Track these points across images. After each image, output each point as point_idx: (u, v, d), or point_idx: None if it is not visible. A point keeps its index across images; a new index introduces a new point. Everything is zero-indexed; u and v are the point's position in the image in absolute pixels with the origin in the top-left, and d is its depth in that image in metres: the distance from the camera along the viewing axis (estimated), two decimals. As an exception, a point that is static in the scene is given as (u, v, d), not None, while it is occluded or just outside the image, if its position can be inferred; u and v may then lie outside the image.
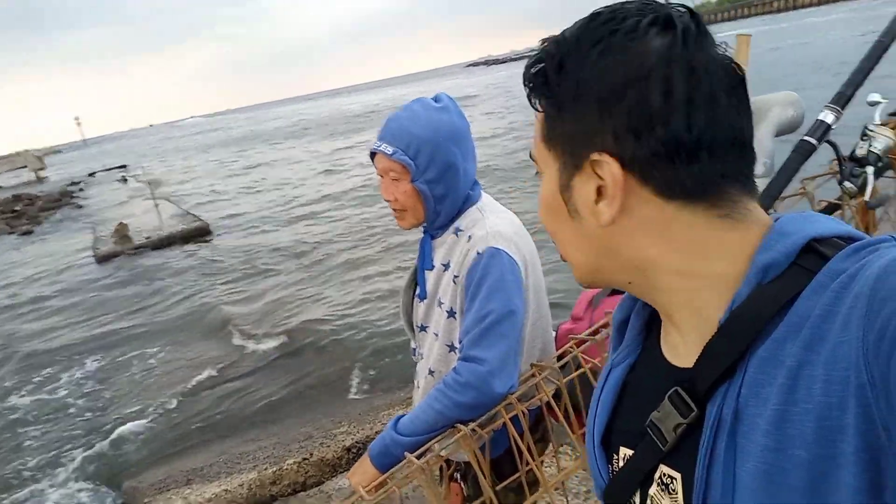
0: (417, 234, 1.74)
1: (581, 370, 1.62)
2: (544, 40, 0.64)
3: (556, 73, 0.61)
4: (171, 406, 5.53)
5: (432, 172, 1.54)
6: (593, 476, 0.74)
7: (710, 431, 0.55)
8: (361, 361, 5.64)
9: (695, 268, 0.59)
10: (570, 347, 1.64)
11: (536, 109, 0.65)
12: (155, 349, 6.89)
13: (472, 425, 1.47)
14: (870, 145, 1.65)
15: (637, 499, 0.66)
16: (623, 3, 0.60)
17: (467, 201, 1.63)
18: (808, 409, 0.48)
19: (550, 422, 1.74)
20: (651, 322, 0.71)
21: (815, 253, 0.54)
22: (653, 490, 0.64)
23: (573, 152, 0.61)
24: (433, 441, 1.49)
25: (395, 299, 6.18)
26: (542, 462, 1.69)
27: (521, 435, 1.56)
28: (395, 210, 1.62)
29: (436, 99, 1.63)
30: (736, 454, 0.53)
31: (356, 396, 5.13)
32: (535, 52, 0.64)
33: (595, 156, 0.59)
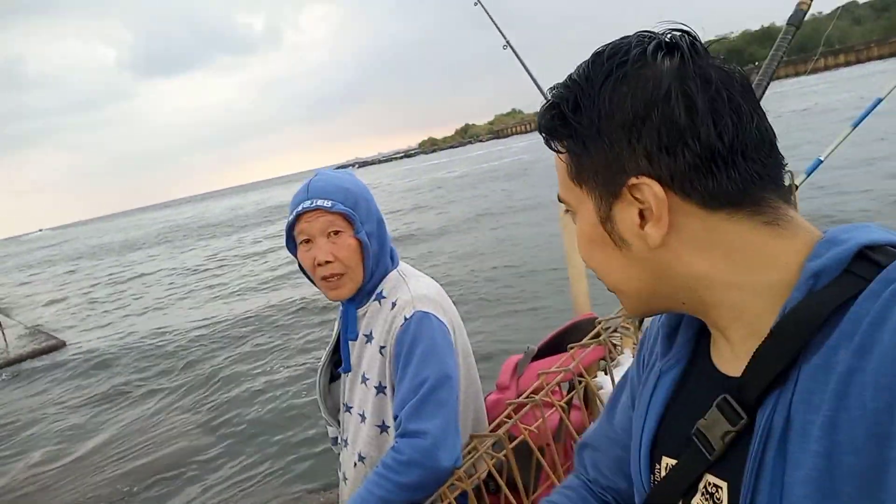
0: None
1: (520, 438, 1.56)
2: (552, 88, 0.65)
3: (573, 112, 0.62)
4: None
5: (370, 225, 1.49)
6: (635, 485, 0.73)
7: (760, 439, 0.55)
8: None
9: (746, 279, 0.59)
10: (509, 415, 1.57)
11: (558, 152, 0.66)
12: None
13: (416, 511, 1.34)
14: None
15: None
16: (621, 39, 0.62)
17: (388, 266, 1.58)
18: (859, 416, 0.48)
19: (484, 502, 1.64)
20: (701, 331, 0.71)
21: (867, 260, 0.54)
22: (696, 500, 0.63)
23: (608, 182, 0.61)
24: (376, 535, 1.34)
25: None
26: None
27: (466, 516, 1.45)
28: (330, 277, 1.48)
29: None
30: (786, 462, 0.53)
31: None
32: (547, 101, 0.66)
33: (633, 180, 0.59)
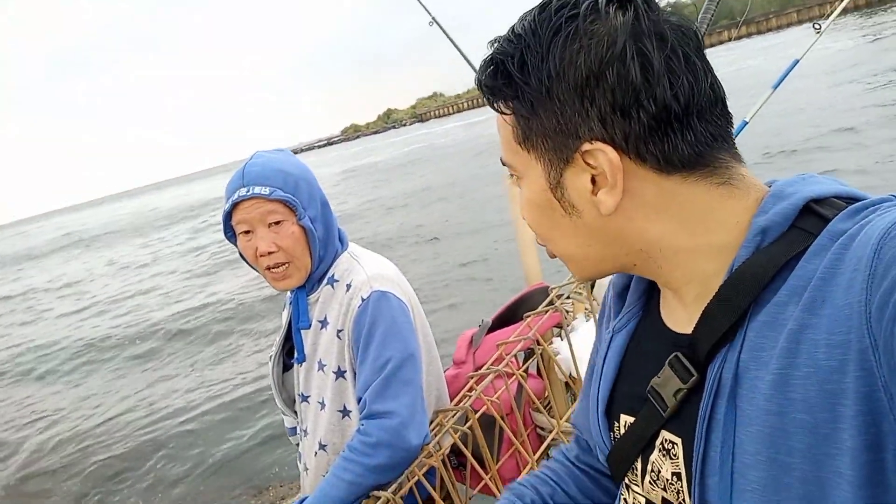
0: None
1: (483, 409, 1.55)
2: (493, 41, 0.61)
3: (519, 70, 0.58)
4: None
5: (313, 209, 1.41)
6: (597, 443, 0.73)
7: (709, 395, 0.55)
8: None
9: (698, 241, 0.58)
10: (471, 388, 1.56)
11: (503, 113, 0.62)
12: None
13: (387, 493, 1.31)
14: None
15: (639, 464, 0.66)
16: None
17: (338, 248, 1.52)
18: (811, 373, 0.47)
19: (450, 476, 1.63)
20: (651, 287, 0.70)
21: (814, 214, 0.54)
22: (654, 456, 0.63)
23: (558, 147, 0.58)
24: (347, 520, 1.30)
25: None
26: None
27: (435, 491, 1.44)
28: (275, 267, 1.40)
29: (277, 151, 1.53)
30: (736, 418, 0.53)
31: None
32: (487, 55, 0.61)
33: (587, 146, 0.56)
